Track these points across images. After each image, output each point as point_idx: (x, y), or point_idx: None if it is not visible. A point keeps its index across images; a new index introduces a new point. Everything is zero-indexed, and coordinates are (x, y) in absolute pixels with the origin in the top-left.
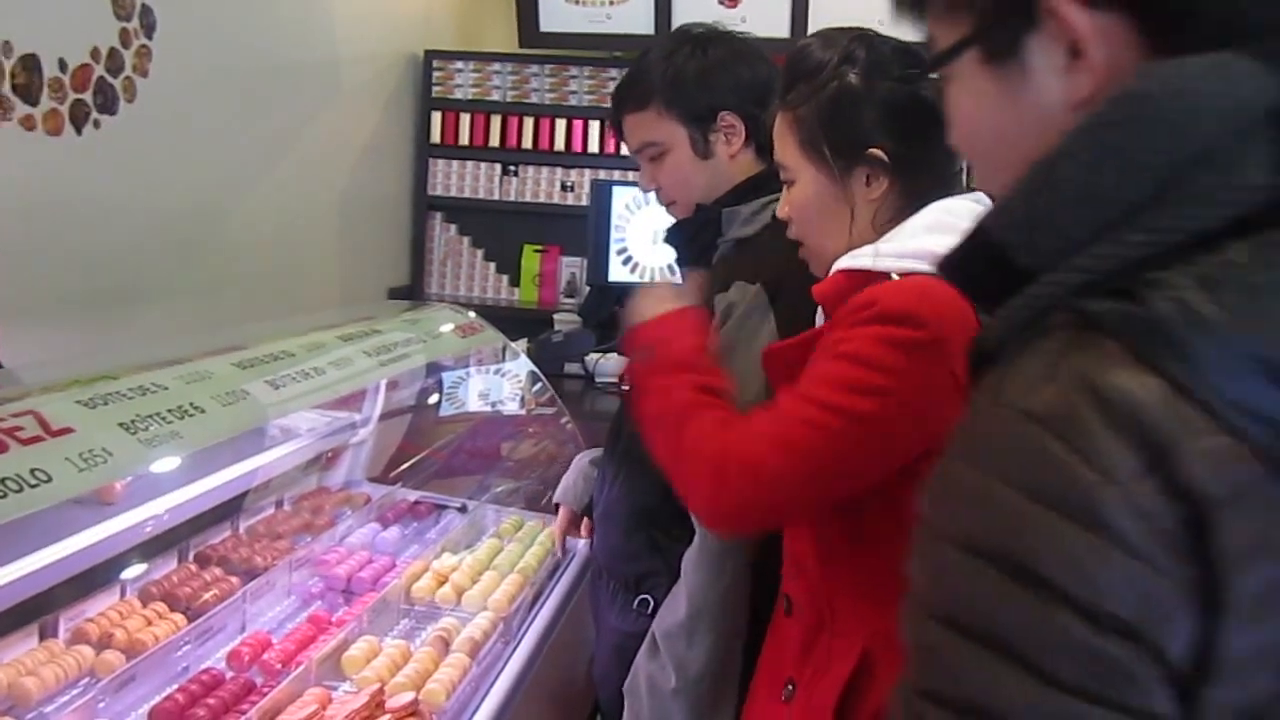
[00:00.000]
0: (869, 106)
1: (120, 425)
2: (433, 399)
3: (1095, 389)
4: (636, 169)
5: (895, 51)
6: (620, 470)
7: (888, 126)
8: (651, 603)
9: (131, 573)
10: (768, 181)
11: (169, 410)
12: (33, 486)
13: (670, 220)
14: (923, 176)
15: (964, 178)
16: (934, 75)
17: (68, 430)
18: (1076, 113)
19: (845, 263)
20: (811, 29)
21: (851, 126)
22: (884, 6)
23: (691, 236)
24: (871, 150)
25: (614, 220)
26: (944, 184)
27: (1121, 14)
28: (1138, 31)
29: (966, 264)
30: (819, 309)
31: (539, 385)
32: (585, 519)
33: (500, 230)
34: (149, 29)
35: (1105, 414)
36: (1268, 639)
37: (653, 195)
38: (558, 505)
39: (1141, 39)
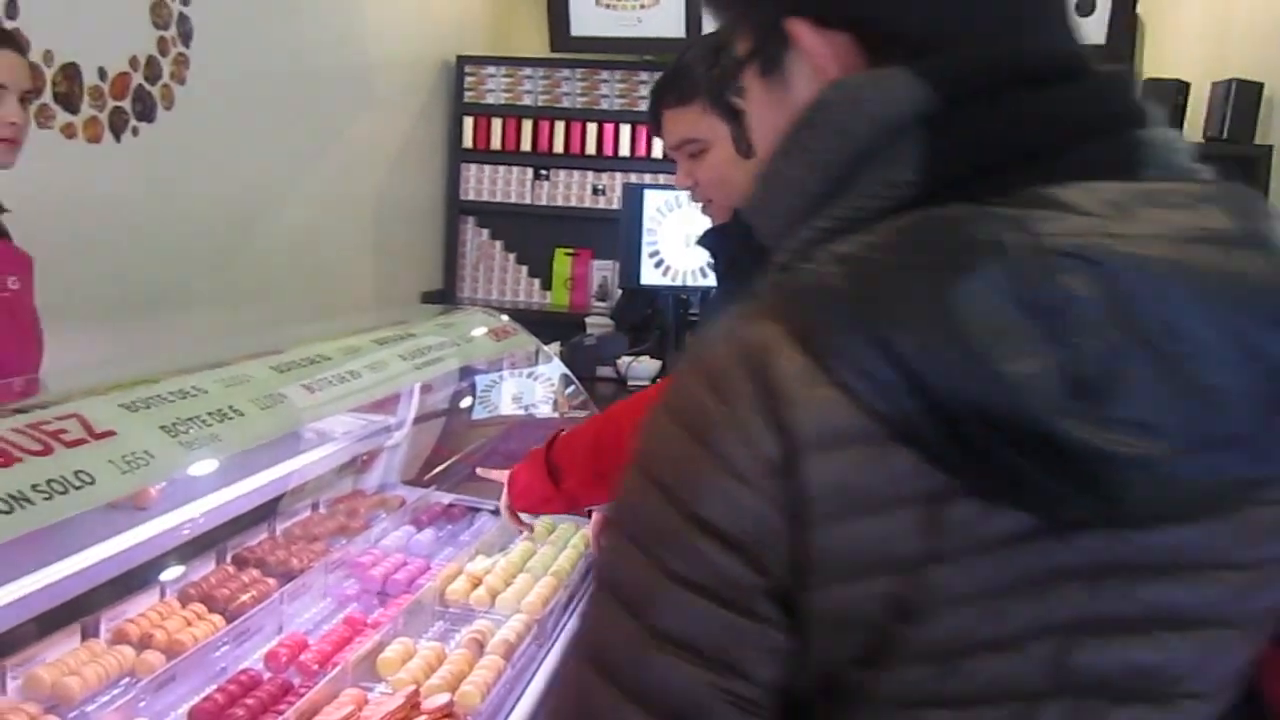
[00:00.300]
0: None
1: (161, 428)
2: (466, 402)
3: (741, 341)
4: (669, 172)
5: None
6: None
7: None
8: None
9: (170, 574)
10: None
11: (208, 413)
12: (76, 488)
13: (704, 222)
14: None
15: None
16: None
17: (110, 433)
18: None
19: None
20: None
21: None
22: None
23: (726, 243)
24: None
25: (646, 223)
26: None
27: (846, 33)
28: (860, 48)
29: (725, 238)
30: None
31: (571, 388)
32: None
33: (532, 234)
34: (186, 37)
35: (742, 362)
36: (833, 547)
37: (684, 197)
38: (589, 510)
39: (864, 54)
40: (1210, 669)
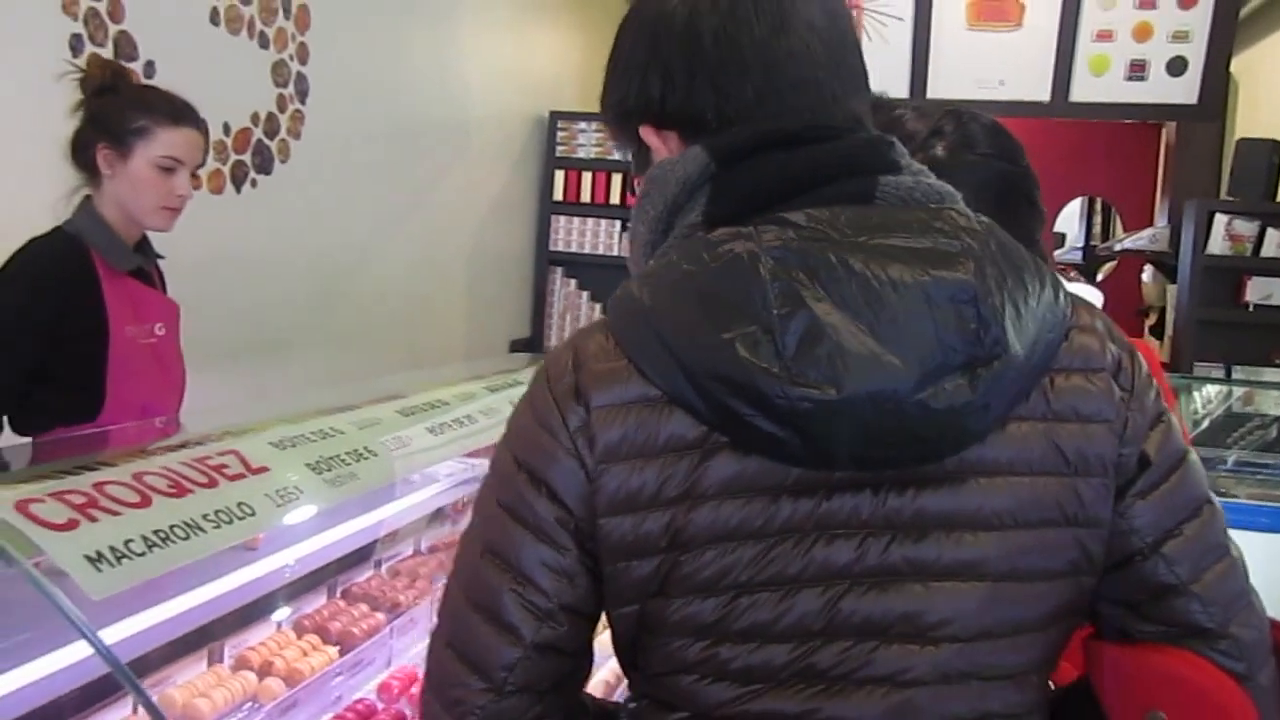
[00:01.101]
0: (953, 181)
1: (307, 465)
2: None
3: (573, 338)
4: None
5: (985, 129)
6: None
7: (972, 199)
8: None
9: (285, 608)
10: None
11: (346, 453)
12: (240, 519)
13: None
14: None
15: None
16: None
17: (264, 469)
18: None
19: None
20: (929, 93)
21: None
22: (1001, 68)
23: None
24: None
25: None
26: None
27: (674, 131)
28: (684, 139)
29: None
30: None
31: None
32: None
33: (617, 284)
34: (303, 94)
35: (567, 349)
36: (621, 487)
37: None
38: None
39: (687, 142)
40: (970, 617)
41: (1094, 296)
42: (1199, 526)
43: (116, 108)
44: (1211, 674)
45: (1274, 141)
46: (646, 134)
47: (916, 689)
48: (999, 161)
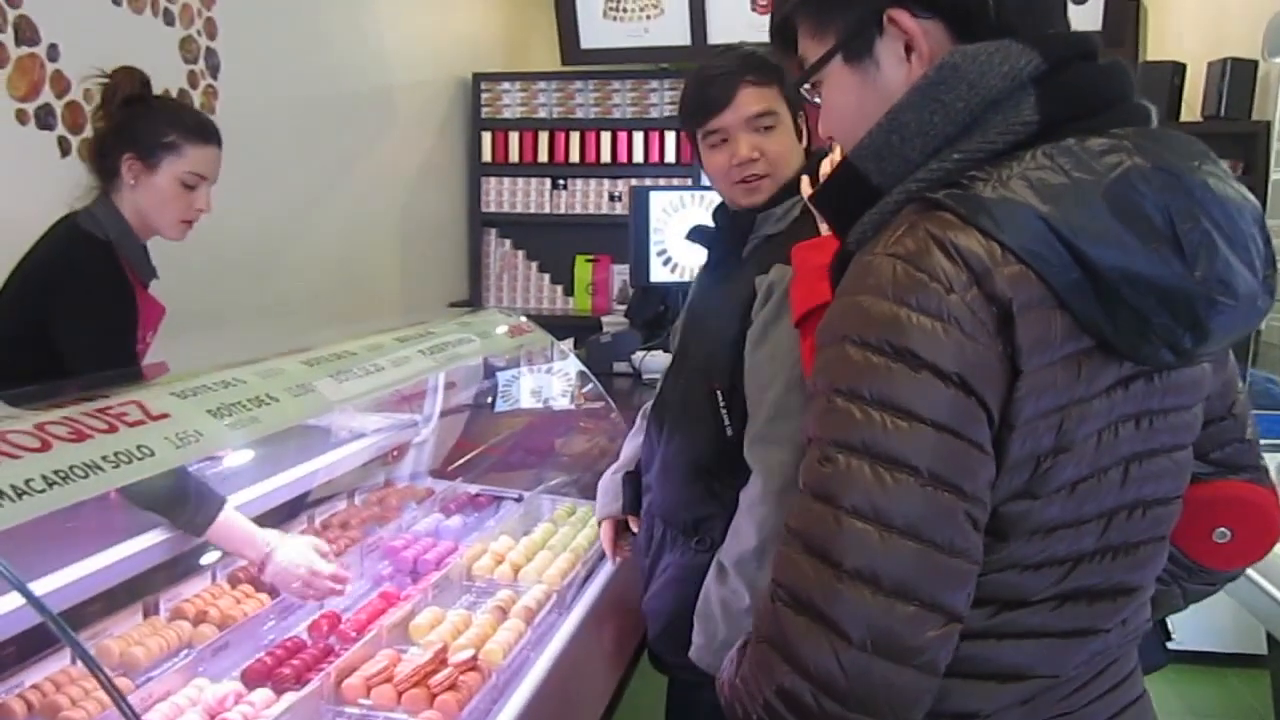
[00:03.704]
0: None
1: (208, 411)
2: (488, 398)
3: (936, 237)
4: (680, 175)
5: None
6: (674, 430)
7: None
8: (709, 540)
9: (219, 559)
10: (797, 183)
11: (248, 399)
12: (139, 459)
13: (695, 220)
14: None
15: None
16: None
17: (165, 415)
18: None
19: None
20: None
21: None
22: None
23: (721, 235)
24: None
25: (653, 224)
26: None
27: (937, 18)
28: (949, 29)
29: (834, 190)
30: None
31: (589, 384)
32: (630, 518)
33: (553, 242)
34: (214, 70)
35: (944, 251)
36: (1046, 405)
37: (688, 197)
38: (600, 523)
39: (950, 34)
40: (1180, 480)
41: None
42: (1241, 392)
43: (148, 120)
44: (1262, 493)
45: (1175, 64)
46: (900, 18)
47: (1159, 544)
48: None
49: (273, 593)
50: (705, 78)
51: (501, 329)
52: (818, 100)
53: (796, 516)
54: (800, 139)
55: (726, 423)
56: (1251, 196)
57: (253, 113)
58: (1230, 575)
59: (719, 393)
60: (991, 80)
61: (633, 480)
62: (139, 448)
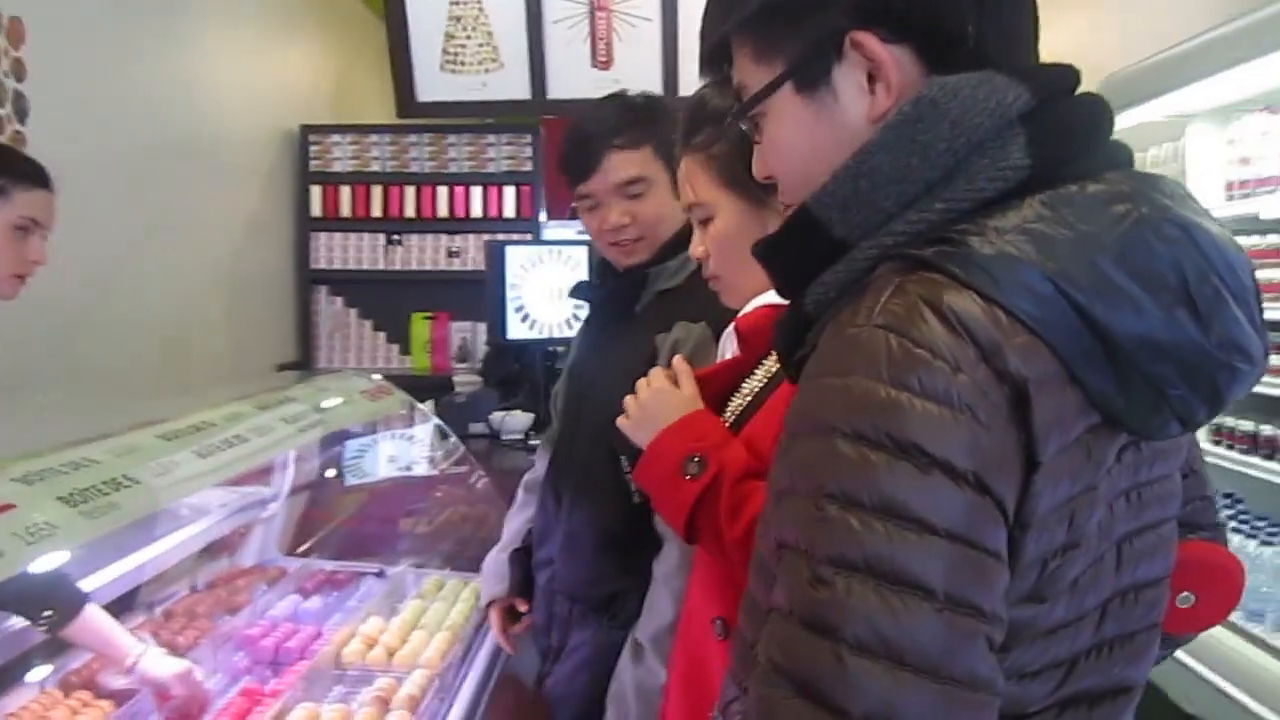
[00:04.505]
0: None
1: (59, 499)
2: (343, 465)
3: (932, 304)
4: (523, 231)
5: None
6: (578, 501)
7: None
8: (623, 616)
9: (50, 664)
10: (685, 237)
11: (103, 482)
12: None
13: (571, 275)
14: None
15: None
16: (749, 113)
17: (9, 506)
18: (873, 124)
19: (772, 298)
20: (681, 90)
21: None
22: None
23: (611, 293)
24: None
25: (509, 279)
26: None
27: (909, 46)
28: (920, 58)
29: (785, 242)
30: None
31: (449, 445)
32: (518, 601)
33: (388, 300)
34: (22, 114)
35: (943, 321)
36: (1061, 496)
37: (545, 253)
38: (488, 608)
39: (922, 64)
40: (1169, 556)
41: None
42: (1197, 445)
43: None
44: (1224, 553)
45: None
46: (866, 42)
47: (1154, 631)
48: None
49: (116, 699)
50: (574, 140)
51: (362, 393)
52: (756, 139)
53: (781, 648)
54: (679, 195)
55: (634, 488)
56: (1239, 243)
57: (65, 162)
58: (1186, 639)
59: (623, 459)
60: (977, 118)
61: (520, 559)
62: None
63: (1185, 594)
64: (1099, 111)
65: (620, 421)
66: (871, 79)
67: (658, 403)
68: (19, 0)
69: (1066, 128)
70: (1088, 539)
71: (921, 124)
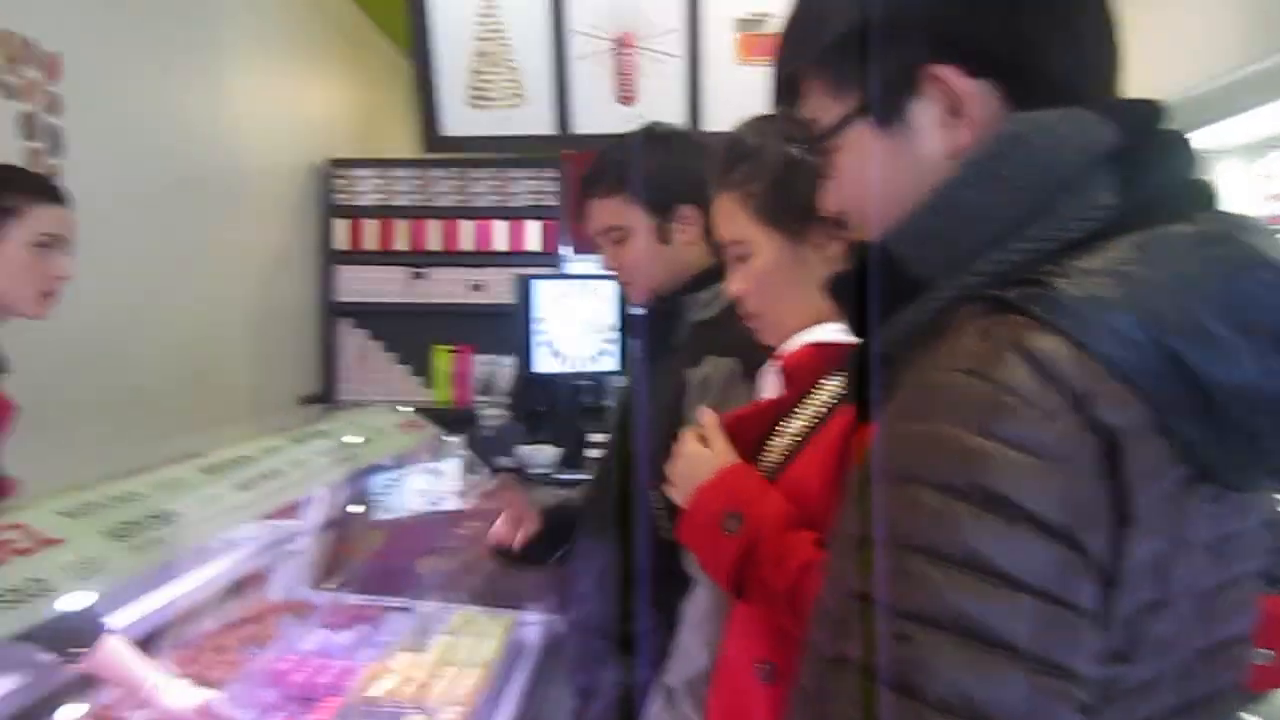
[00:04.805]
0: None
1: (105, 533)
2: (371, 499)
3: (1020, 349)
4: (549, 264)
5: None
6: (609, 535)
7: None
8: (648, 654)
9: (80, 703)
10: (722, 269)
11: (148, 516)
12: (36, 597)
13: (599, 308)
14: None
15: None
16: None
17: (56, 541)
18: (951, 160)
19: (816, 336)
20: (705, 125)
21: (804, 193)
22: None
23: (652, 324)
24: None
25: (538, 313)
26: None
27: (993, 81)
28: (1001, 92)
29: (859, 279)
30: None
31: (477, 479)
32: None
33: (411, 332)
34: (57, 148)
35: (1032, 367)
36: (1151, 551)
37: (573, 286)
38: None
39: (1002, 98)
40: (1257, 611)
41: None
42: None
43: None
44: None
45: None
46: (947, 76)
47: (1239, 692)
48: None
49: None
50: (580, 184)
51: (393, 425)
52: (828, 173)
53: (860, 708)
54: (666, 239)
55: (664, 526)
56: None
57: (99, 194)
58: (1258, 698)
59: (652, 493)
60: (1065, 155)
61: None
62: (32, 581)
63: (1266, 651)
64: (1185, 148)
65: (667, 489)
66: (953, 113)
67: (690, 467)
68: (58, 36)
69: (1155, 166)
70: (1175, 595)
71: (1005, 160)
